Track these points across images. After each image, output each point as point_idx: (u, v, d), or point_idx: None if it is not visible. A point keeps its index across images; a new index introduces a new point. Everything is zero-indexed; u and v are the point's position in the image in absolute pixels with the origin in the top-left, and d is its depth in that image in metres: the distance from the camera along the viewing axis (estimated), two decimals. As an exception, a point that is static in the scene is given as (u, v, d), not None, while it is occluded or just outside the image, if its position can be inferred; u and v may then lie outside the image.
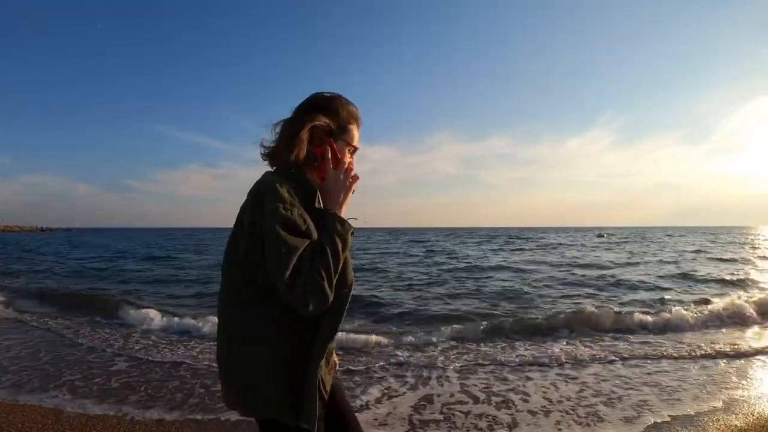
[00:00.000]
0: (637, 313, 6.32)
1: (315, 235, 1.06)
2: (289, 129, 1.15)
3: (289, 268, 0.98)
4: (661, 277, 11.69)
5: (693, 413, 3.18)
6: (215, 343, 1.19)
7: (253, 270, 1.06)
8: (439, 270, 14.00)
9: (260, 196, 1.05)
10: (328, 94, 1.21)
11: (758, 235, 53.34)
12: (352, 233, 1.14)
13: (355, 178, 1.19)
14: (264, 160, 1.22)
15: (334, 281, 1.04)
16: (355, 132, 1.23)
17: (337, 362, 1.36)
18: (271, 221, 1.00)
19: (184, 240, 43.96)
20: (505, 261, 16.88)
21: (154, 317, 6.49)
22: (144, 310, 6.78)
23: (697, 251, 21.58)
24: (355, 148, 1.24)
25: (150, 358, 4.68)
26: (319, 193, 1.16)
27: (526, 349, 4.96)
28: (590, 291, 9.47)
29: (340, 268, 1.07)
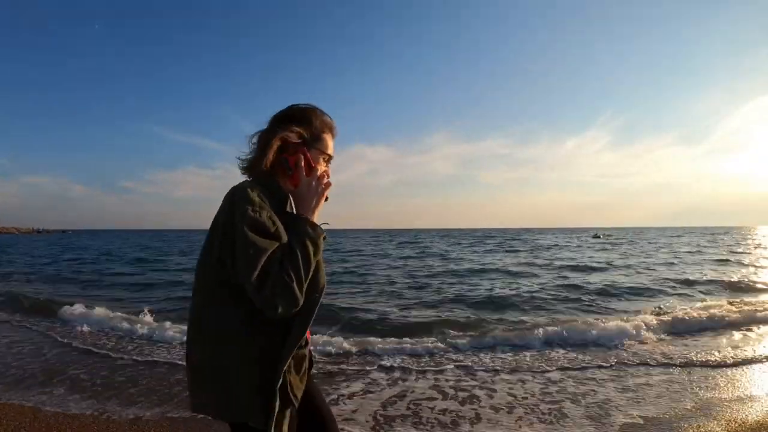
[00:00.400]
0: (615, 321, 6.03)
1: (285, 238, 1.08)
2: (263, 139, 1.19)
3: (257, 269, 0.99)
4: (646, 280, 11.39)
5: (665, 417, 3.05)
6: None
7: (226, 271, 1.07)
8: (425, 273, 13.74)
9: (232, 199, 1.08)
10: (303, 105, 1.25)
11: (757, 235, 53.15)
12: (325, 238, 1.15)
13: (328, 185, 1.21)
14: (243, 173, 1.24)
15: (305, 284, 1.05)
16: (329, 141, 1.26)
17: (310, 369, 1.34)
18: (240, 223, 1.02)
19: (177, 242, 43.55)
20: (492, 264, 16.58)
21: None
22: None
23: (690, 252, 21.41)
24: (330, 157, 1.27)
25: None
26: (292, 199, 1.18)
27: (496, 357, 4.74)
28: (572, 295, 9.16)
29: (311, 272, 1.08)
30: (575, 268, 14.44)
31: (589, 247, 27.61)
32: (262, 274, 0.99)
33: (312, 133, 1.22)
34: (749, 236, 47.13)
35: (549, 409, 3.24)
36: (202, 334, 1.12)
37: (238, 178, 1.21)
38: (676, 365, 4.31)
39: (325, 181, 1.21)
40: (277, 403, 1.07)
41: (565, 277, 12.15)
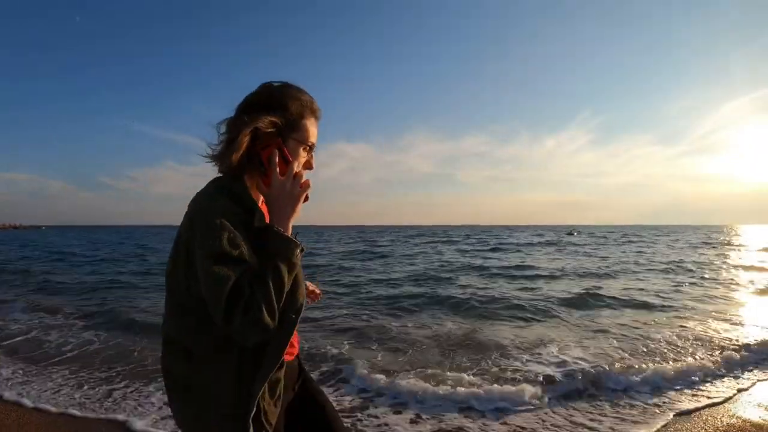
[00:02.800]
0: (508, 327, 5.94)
1: (253, 259, 0.95)
2: (229, 131, 1.01)
3: (222, 301, 0.88)
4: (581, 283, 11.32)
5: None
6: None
7: (194, 287, 0.97)
8: (359, 274, 13.34)
9: (192, 216, 0.96)
10: (277, 84, 1.06)
11: (731, 233, 54.29)
12: (302, 250, 1.01)
13: (305, 185, 1.04)
14: (214, 166, 1.05)
15: (277, 310, 0.93)
16: (311, 127, 1.08)
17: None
18: (200, 250, 0.92)
19: (149, 238, 42.70)
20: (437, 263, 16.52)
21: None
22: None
23: (640, 253, 21.12)
24: (312, 145, 1.09)
25: None
26: (265, 205, 1.05)
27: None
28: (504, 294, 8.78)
29: (285, 293, 0.96)
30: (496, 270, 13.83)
31: (545, 245, 27.75)
32: (228, 307, 0.88)
33: (288, 120, 1.03)
34: (723, 235, 47.65)
35: None
36: (172, 350, 1.04)
37: (216, 175, 1.05)
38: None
39: (303, 180, 1.03)
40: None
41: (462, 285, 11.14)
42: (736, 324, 6.10)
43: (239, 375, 0.99)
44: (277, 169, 1.01)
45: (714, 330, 5.70)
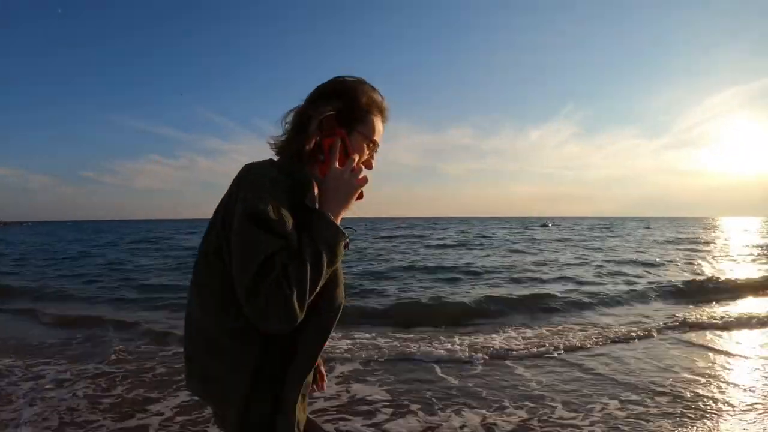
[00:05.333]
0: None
1: (293, 237, 0.87)
2: (298, 118, 0.99)
3: (252, 270, 0.81)
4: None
5: None
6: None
7: (225, 266, 0.91)
8: None
9: (239, 180, 0.93)
10: (350, 79, 1.05)
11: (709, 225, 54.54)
12: (347, 245, 0.94)
13: (363, 180, 0.99)
14: (276, 151, 1.03)
15: (308, 298, 0.84)
16: (378, 124, 1.06)
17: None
18: (241, 212, 0.85)
19: (131, 233, 42.28)
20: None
21: None
22: None
23: (599, 249, 20.99)
24: (375, 143, 1.06)
25: None
26: (317, 190, 0.98)
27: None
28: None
29: (320, 284, 0.87)
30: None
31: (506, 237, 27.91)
32: (257, 277, 0.80)
33: (356, 112, 1.01)
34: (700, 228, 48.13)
35: None
36: (193, 340, 1.00)
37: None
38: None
39: (361, 175, 0.99)
40: None
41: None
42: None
43: (260, 369, 0.93)
44: (335, 159, 0.98)
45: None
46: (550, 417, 3.09)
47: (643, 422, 2.97)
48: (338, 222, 0.94)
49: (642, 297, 8.14)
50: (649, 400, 3.33)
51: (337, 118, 1.00)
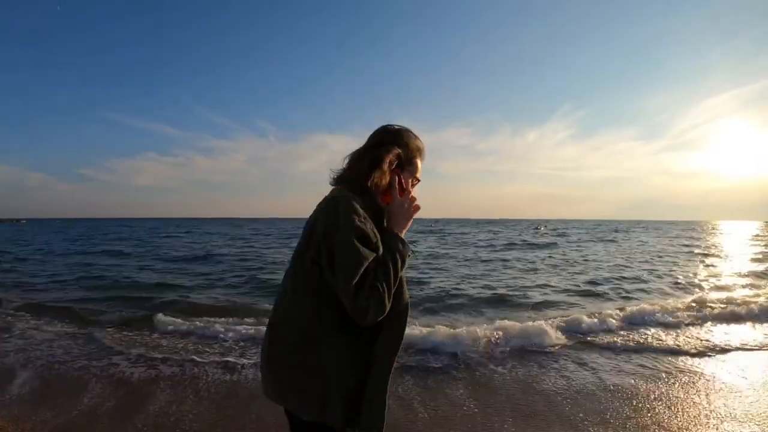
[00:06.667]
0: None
1: (381, 251, 1.17)
2: (370, 156, 1.26)
3: (356, 276, 1.08)
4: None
5: None
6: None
7: (321, 274, 1.14)
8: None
9: (337, 207, 1.15)
10: (398, 127, 1.34)
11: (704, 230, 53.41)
12: (410, 255, 1.24)
13: (417, 207, 1.29)
14: (333, 185, 1.32)
15: (392, 296, 1.14)
16: (420, 165, 1.36)
17: None
18: (347, 232, 1.10)
19: (127, 232, 41.41)
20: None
21: None
22: None
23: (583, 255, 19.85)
24: (418, 180, 1.36)
25: None
26: (385, 216, 1.28)
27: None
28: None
29: (396, 285, 1.16)
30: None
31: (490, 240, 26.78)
32: (359, 283, 1.08)
33: (407, 156, 1.31)
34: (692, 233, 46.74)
35: None
36: (285, 324, 1.21)
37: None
38: None
39: (415, 203, 1.29)
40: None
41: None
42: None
43: (350, 360, 1.18)
44: (397, 191, 1.28)
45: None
46: None
47: None
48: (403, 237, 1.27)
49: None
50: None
51: (396, 160, 1.29)
